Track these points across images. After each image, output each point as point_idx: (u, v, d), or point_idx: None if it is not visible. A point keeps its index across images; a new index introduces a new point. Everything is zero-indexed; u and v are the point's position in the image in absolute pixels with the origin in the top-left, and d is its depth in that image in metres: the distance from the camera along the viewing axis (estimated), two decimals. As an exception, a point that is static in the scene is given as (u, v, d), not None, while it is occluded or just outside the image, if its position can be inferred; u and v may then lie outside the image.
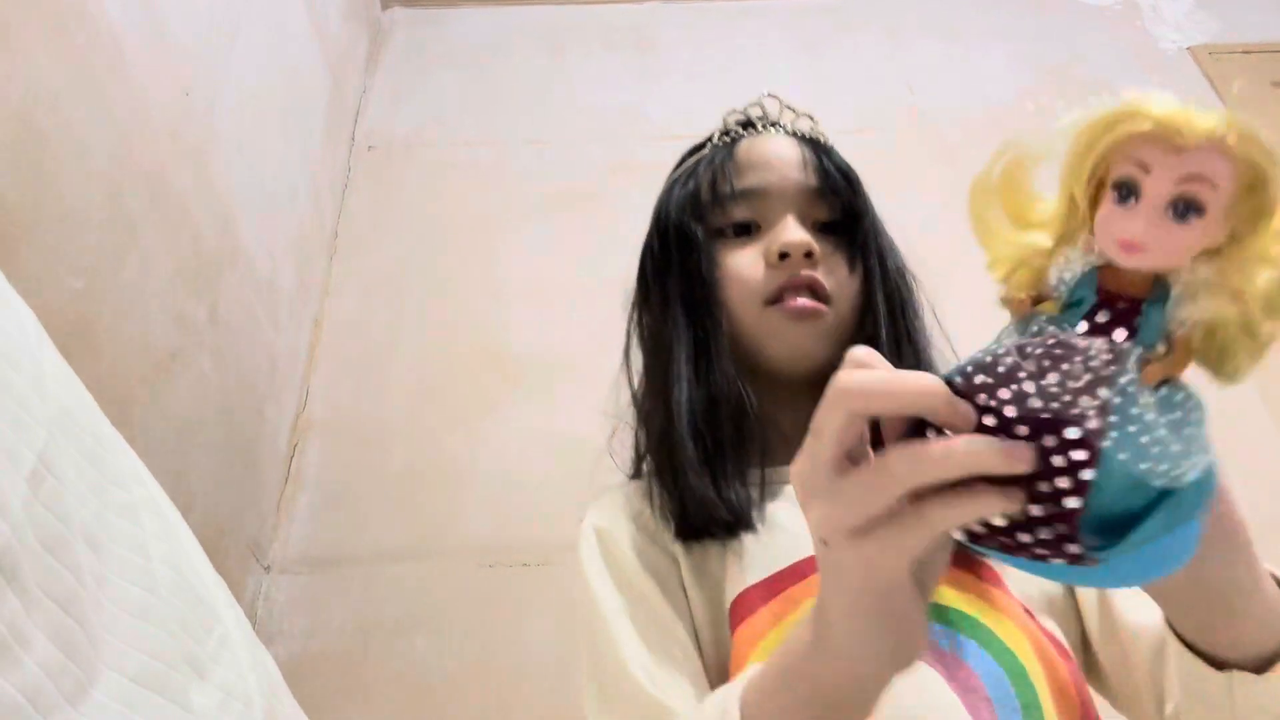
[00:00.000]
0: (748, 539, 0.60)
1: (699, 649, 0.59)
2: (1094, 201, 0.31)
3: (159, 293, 1.02)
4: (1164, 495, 0.29)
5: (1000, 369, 0.30)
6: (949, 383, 0.31)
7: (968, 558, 0.58)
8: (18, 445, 0.35)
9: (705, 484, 0.61)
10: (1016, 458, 0.29)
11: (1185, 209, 0.28)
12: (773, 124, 0.74)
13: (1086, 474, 0.29)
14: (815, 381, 0.67)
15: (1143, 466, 0.29)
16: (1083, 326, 0.30)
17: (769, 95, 0.77)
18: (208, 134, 1.18)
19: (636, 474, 0.71)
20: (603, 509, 0.67)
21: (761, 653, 0.55)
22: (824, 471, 0.34)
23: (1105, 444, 0.29)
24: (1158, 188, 0.29)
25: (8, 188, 0.77)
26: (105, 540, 0.40)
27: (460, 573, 1.30)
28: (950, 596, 0.56)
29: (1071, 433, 0.29)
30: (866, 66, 1.94)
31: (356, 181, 1.75)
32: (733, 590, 0.59)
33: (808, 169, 0.69)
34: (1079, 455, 0.29)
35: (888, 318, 0.67)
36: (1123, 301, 0.30)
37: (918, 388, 0.32)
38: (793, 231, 0.65)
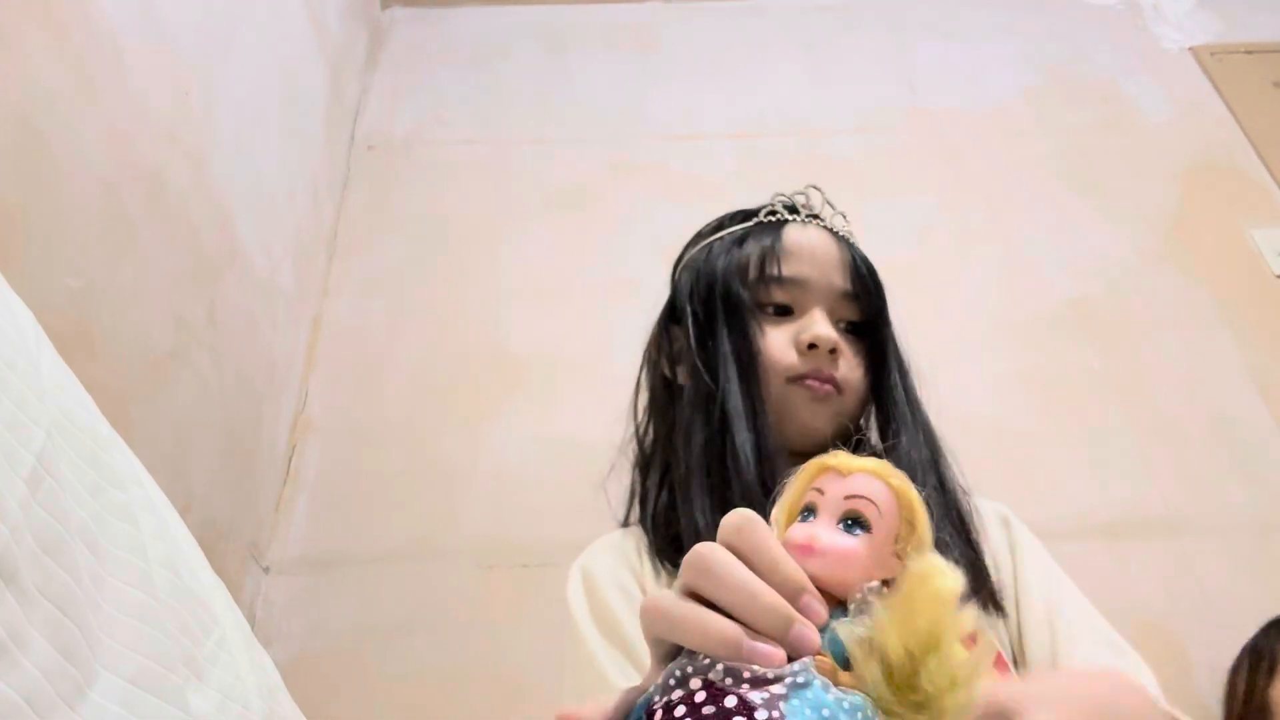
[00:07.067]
0: None
1: None
2: None
3: (157, 293, 1.02)
4: None
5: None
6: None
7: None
8: (16, 446, 0.35)
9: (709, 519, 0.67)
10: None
11: (853, 523, 0.35)
12: (814, 216, 0.81)
13: None
14: (813, 451, 0.73)
15: None
16: None
17: (812, 187, 0.84)
18: (206, 134, 1.17)
19: (626, 522, 0.80)
20: (592, 553, 0.76)
21: None
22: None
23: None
24: (829, 503, 0.35)
25: (5, 188, 0.77)
26: (103, 541, 0.40)
27: (459, 574, 1.29)
28: None
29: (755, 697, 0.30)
30: (868, 65, 1.93)
31: (356, 181, 1.75)
32: None
33: (845, 272, 0.77)
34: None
35: (896, 412, 0.74)
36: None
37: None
38: (823, 326, 0.73)
